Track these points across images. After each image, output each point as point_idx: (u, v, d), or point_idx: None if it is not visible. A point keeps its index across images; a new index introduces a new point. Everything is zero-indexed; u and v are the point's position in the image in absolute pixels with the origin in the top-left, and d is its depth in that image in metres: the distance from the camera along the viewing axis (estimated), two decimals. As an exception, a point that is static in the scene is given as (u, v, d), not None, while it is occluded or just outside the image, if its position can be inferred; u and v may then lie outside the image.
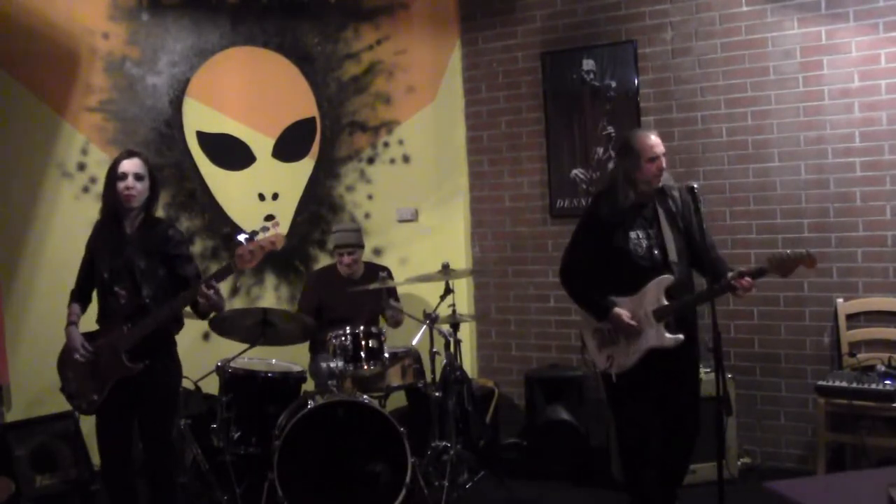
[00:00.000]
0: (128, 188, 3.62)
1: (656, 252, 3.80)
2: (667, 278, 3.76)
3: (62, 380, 3.79)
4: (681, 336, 3.76)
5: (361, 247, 5.15)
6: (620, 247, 3.82)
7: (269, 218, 5.44)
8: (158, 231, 3.74)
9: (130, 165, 3.64)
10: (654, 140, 3.82)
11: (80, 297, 3.82)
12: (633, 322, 3.79)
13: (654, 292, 3.78)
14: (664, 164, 3.81)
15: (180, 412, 4.44)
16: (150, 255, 3.67)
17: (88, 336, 3.74)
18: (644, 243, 3.81)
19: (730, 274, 3.68)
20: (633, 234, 3.82)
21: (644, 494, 4.01)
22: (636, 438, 3.96)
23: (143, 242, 3.68)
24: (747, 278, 3.65)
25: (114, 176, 3.64)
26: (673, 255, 3.79)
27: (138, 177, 3.64)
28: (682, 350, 3.80)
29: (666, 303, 3.76)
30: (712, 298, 3.65)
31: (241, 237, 3.64)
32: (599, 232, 3.89)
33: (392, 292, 5.08)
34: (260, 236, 3.66)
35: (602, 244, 3.87)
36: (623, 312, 3.82)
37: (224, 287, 5.39)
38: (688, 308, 3.84)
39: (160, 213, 5.23)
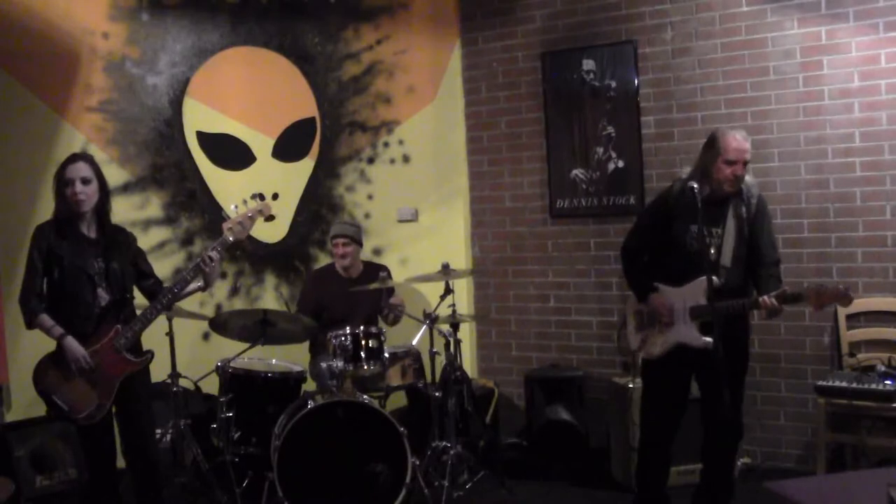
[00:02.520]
0: (75, 193, 3.64)
1: (712, 251, 3.74)
2: (711, 279, 3.71)
3: (49, 401, 3.65)
4: (709, 339, 3.67)
5: (358, 242, 5.16)
6: (677, 236, 3.79)
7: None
8: (119, 233, 3.86)
9: (74, 171, 3.66)
10: (738, 144, 3.71)
11: (42, 306, 3.68)
12: (665, 311, 3.79)
13: (696, 290, 3.74)
14: (742, 172, 3.71)
15: (182, 413, 4.46)
16: (123, 256, 3.79)
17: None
18: (703, 240, 3.73)
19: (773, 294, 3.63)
20: (693, 228, 3.74)
21: (649, 491, 4.02)
22: (657, 431, 3.95)
23: (114, 246, 3.77)
24: (772, 299, 3.59)
25: (60, 183, 3.67)
26: (727, 260, 3.74)
27: (85, 180, 3.66)
28: (727, 355, 3.67)
29: (704, 303, 3.73)
30: (740, 312, 3.68)
31: (225, 214, 3.82)
32: (665, 217, 3.86)
33: (389, 290, 5.10)
34: (242, 208, 3.91)
35: (664, 230, 3.84)
36: (660, 298, 3.82)
37: (224, 287, 5.42)
38: (722, 314, 3.69)
39: (160, 213, 5.29)
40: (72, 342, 3.63)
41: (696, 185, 3.69)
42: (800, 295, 3.64)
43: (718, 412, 3.78)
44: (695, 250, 3.75)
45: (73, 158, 3.74)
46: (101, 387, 3.65)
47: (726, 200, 3.77)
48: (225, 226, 3.87)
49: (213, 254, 3.76)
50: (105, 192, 3.76)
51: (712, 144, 3.78)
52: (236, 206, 3.89)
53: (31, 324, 3.69)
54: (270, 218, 4.06)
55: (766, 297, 3.61)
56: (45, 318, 3.67)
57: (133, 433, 3.77)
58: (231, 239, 3.84)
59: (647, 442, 4.02)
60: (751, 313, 3.96)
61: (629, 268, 4.05)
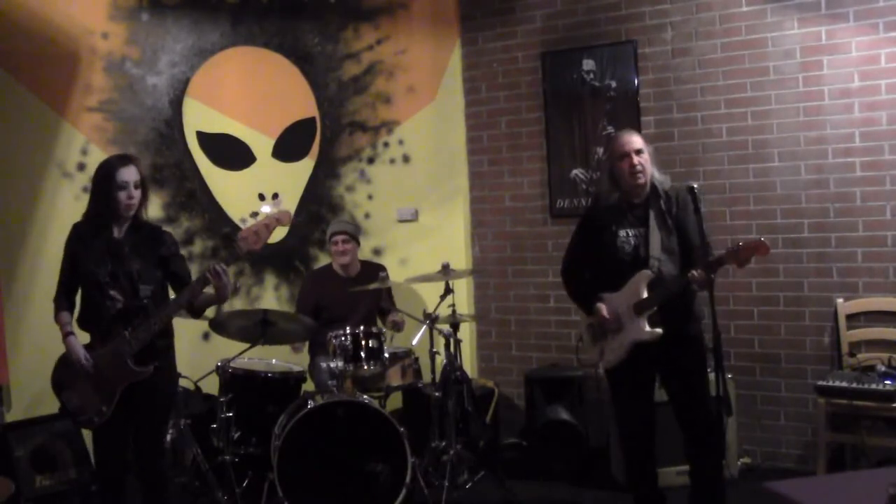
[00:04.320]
0: (130, 198, 3.56)
1: (641, 249, 3.84)
2: (646, 273, 3.79)
3: (61, 399, 3.69)
4: (658, 330, 3.75)
5: (356, 240, 5.17)
6: (608, 244, 3.88)
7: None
8: (149, 233, 3.71)
9: (130, 174, 3.56)
10: (625, 139, 3.87)
11: (67, 304, 3.69)
12: (607, 315, 3.85)
13: (635, 287, 3.80)
14: (637, 162, 3.80)
15: (182, 413, 4.46)
16: (146, 258, 3.64)
17: (84, 348, 3.65)
18: (632, 241, 3.85)
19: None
20: (622, 233, 3.87)
21: (645, 492, 4.03)
22: (633, 435, 3.99)
23: (136, 245, 3.63)
24: (698, 270, 3.63)
25: (112, 184, 3.54)
26: (656, 252, 3.81)
27: (136, 185, 3.59)
28: (680, 348, 3.80)
29: (645, 296, 3.78)
30: (680, 290, 3.72)
31: (243, 219, 3.66)
32: (592, 230, 3.97)
33: (388, 291, 5.12)
34: (262, 215, 3.67)
35: (594, 242, 3.94)
36: (602, 306, 3.88)
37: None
38: (665, 300, 3.76)
39: (160, 213, 5.29)
40: (72, 342, 3.62)
41: (695, 185, 3.73)
42: (721, 258, 3.64)
43: (693, 410, 3.86)
44: (626, 252, 3.85)
45: (126, 160, 3.62)
46: (103, 392, 3.58)
47: (646, 201, 3.86)
48: (240, 235, 3.63)
49: (219, 267, 3.55)
50: (145, 197, 3.66)
51: (608, 149, 3.94)
52: (254, 214, 3.71)
53: (55, 318, 3.70)
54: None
55: (693, 271, 3.65)
56: (62, 316, 3.67)
57: (139, 443, 3.70)
58: (244, 249, 3.60)
59: (628, 446, 4.06)
60: (700, 309, 3.92)
61: (569, 285, 4.15)
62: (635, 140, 3.86)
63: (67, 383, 3.66)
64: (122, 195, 3.55)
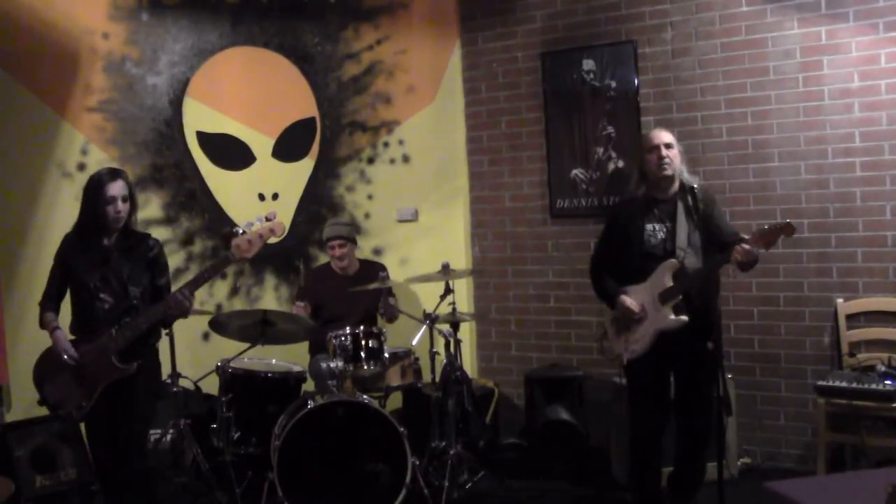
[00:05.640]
0: (118, 211, 3.65)
1: (668, 243, 3.88)
2: (671, 262, 3.82)
3: (41, 391, 3.77)
4: (683, 317, 3.79)
5: (353, 241, 5.17)
6: (635, 238, 3.91)
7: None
8: (138, 239, 3.81)
9: (118, 188, 3.65)
10: (655, 132, 3.97)
11: (53, 307, 3.80)
12: (633, 306, 3.87)
13: (660, 276, 3.83)
14: (665, 154, 3.85)
15: (182, 413, 4.46)
16: (134, 262, 3.74)
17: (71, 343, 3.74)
18: (659, 235, 3.89)
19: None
20: (648, 227, 3.91)
21: (646, 493, 4.03)
22: (646, 434, 3.99)
23: (125, 250, 3.73)
24: (741, 245, 3.68)
25: (101, 198, 3.63)
26: (682, 243, 3.84)
27: (125, 199, 3.67)
28: (703, 342, 3.79)
29: (670, 285, 3.81)
30: (713, 270, 3.79)
31: (237, 229, 3.75)
32: (618, 226, 4.01)
33: (388, 290, 5.12)
34: (256, 226, 3.77)
35: (622, 236, 3.98)
36: (626, 298, 3.91)
37: (223, 287, 5.43)
38: (690, 289, 3.81)
39: (160, 213, 5.30)
40: (59, 335, 3.72)
41: (696, 185, 3.78)
42: (746, 240, 3.70)
43: (698, 405, 3.90)
44: (652, 245, 3.89)
45: (113, 175, 3.70)
46: (84, 387, 3.65)
47: (674, 197, 3.91)
48: (234, 243, 3.72)
49: (179, 296, 3.63)
50: (134, 207, 3.76)
51: (640, 144, 4.03)
52: (250, 224, 3.78)
53: (40, 322, 3.81)
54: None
55: (737, 247, 3.68)
56: (47, 315, 3.78)
57: (119, 441, 3.70)
58: (236, 256, 3.72)
59: (637, 446, 4.06)
60: (719, 306, 3.91)
61: (595, 279, 4.18)
62: (665, 135, 3.94)
63: (49, 377, 3.74)
64: (110, 209, 3.65)
